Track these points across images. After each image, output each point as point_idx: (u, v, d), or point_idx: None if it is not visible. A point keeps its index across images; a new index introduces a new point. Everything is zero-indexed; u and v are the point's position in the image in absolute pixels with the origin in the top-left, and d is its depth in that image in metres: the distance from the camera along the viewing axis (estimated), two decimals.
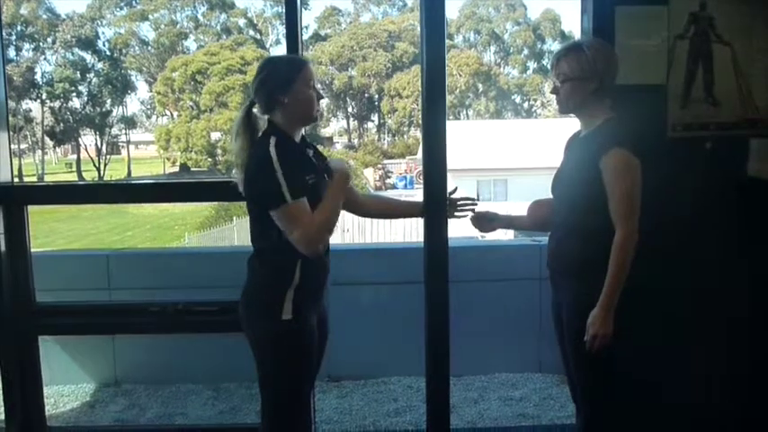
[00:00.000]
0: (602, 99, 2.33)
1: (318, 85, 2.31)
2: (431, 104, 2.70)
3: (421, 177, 2.77)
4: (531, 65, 48.99)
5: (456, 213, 2.67)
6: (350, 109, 47.97)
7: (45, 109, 41.93)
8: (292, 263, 2.20)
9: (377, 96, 46.54)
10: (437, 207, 2.67)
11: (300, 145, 2.30)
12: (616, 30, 2.72)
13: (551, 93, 2.39)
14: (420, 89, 2.82)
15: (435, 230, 2.73)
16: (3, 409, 3.10)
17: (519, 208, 2.90)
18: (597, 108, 2.33)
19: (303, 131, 2.33)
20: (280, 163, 2.11)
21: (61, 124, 42.33)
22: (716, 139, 2.81)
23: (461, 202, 2.67)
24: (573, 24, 46.73)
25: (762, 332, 2.87)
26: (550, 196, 2.51)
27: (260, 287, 2.26)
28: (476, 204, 2.69)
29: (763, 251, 2.83)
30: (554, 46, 48.65)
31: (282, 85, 2.22)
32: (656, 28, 2.77)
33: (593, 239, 2.25)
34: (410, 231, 15.65)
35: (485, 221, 2.67)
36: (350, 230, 16.96)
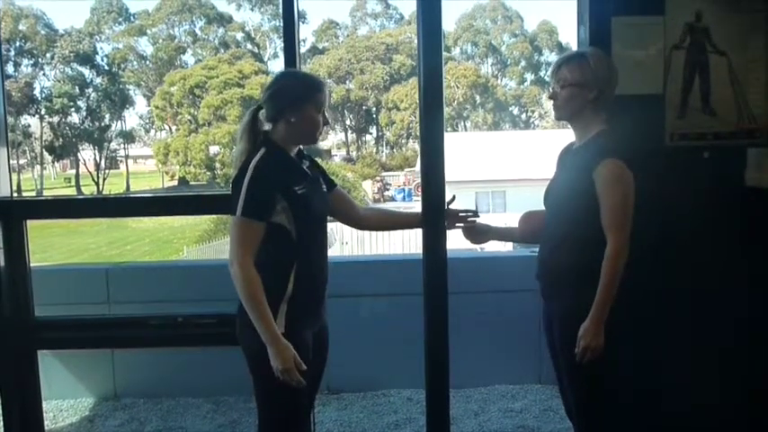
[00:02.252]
0: (599, 110, 2.34)
1: (327, 111, 2.31)
2: (429, 116, 2.71)
3: (419, 189, 2.77)
4: (529, 76, 49.18)
5: (457, 225, 2.65)
6: (348, 122, 48.07)
7: (44, 124, 42.02)
8: (285, 274, 2.19)
9: (375, 109, 46.68)
10: (436, 219, 2.67)
11: (294, 158, 2.29)
12: (613, 40, 2.74)
13: (549, 98, 2.40)
14: (418, 101, 2.83)
15: (434, 242, 2.73)
16: (2, 423, 3.09)
17: (517, 219, 2.91)
18: (593, 118, 2.34)
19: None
20: (251, 177, 2.12)
21: (60, 139, 42.41)
22: (713, 148, 2.82)
23: (462, 213, 2.65)
24: (570, 36, 47.04)
25: (761, 339, 2.87)
26: (543, 207, 2.52)
27: None
28: (477, 216, 2.67)
29: (761, 260, 2.84)
30: (551, 57, 48.81)
31: (292, 103, 2.22)
32: (653, 38, 2.79)
33: (585, 250, 2.25)
34: (409, 243, 15.65)
35: (476, 233, 2.67)
36: (349, 243, 16.97)
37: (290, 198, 2.17)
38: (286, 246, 2.18)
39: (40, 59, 41.47)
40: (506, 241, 2.85)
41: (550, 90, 2.40)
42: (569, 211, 2.31)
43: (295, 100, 2.22)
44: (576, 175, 2.28)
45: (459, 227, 2.66)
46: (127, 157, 49.14)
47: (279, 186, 2.16)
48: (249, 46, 46.91)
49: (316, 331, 2.32)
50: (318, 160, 2.50)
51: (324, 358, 2.41)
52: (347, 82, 45.43)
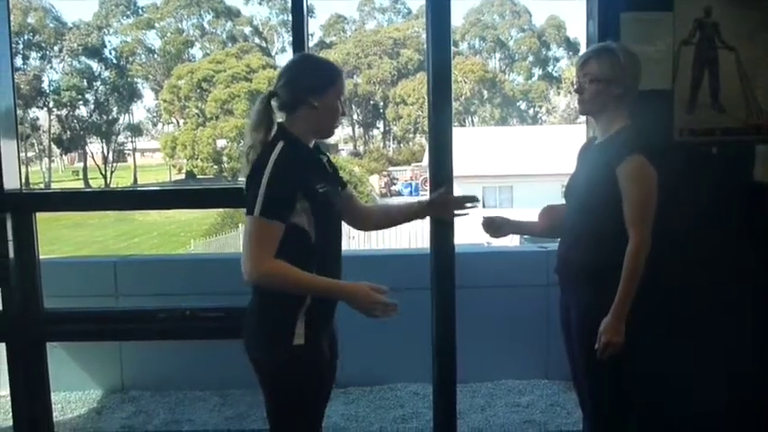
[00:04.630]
0: (623, 106, 2.32)
1: (345, 100, 2.16)
2: (437, 111, 2.71)
3: (426, 184, 2.76)
4: (537, 71, 49.03)
5: (457, 212, 2.56)
6: (355, 116, 48.03)
7: (52, 117, 42.14)
8: None
9: (382, 103, 46.64)
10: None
11: (314, 151, 2.15)
12: (621, 36, 2.74)
13: (575, 92, 2.36)
14: (425, 96, 2.83)
15: (442, 236, 2.74)
16: (11, 415, 3.11)
17: (525, 214, 2.90)
18: (616, 114, 2.32)
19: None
20: (271, 173, 1.95)
21: (68, 132, 42.53)
22: (721, 144, 2.82)
23: (459, 200, 2.55)
24: (578, 31, 46.90)
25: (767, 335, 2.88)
26: (558, 202, 2.51)
27: (267, 310, 2.08)
28: (477, 202, 2.56)
29: None
30: (559, 52, 48.75)
31: (315, 87, 2.07)
32: (662, 34, 2.79)
33: (604, 245, 2.25)
34: (416, 237, 15.62)
35: (495, 227, 2.62)
36: (355, 237, 16.97)
37: (312, 197, 2.00)
38: (304, 251, 2.01)
39: (48, 52, 41.56)
40: (525, 235, 2.83)
41: (576, 83, 2.36)
42: (591, 206, 2.30)
43: (318, 84, 2.07)
44: (599, 171, 2.27)
45: (458, 214, 2.57)
46: (134, 150, 49.29)
47: (300, 185, 1.99)
48: (257, 40, 46.93)
49: (330, 334, 2.20)
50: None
51: (335, 366, 2.27)
52: (354, 76, 45.37)
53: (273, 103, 2.12)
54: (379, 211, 2.64)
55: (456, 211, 2.58)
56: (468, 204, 2.56)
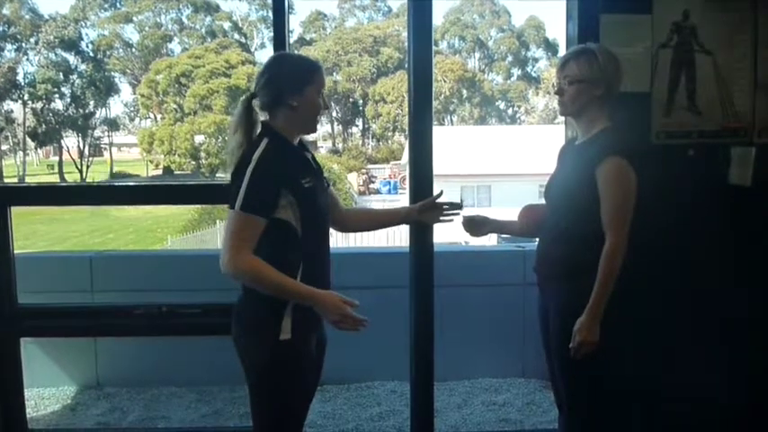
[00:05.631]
0: (604, 107, 2.34)
1: (325, 93, 2.16)
2: (418, 110, 2.72)
3: (405, 182, 2.77)
4: (516, 71, 49.20)
5: (441, 218, 2.59)
6: (334, 113, 47.88)
7: (27, 110, 41.50)
8: (291, 276, 2.03)
9: (361, 101, 46.56)
10: None
11: (298, 147, 2.17)
12: (600, 37, 2.75)
13: (555, 93, 2.38)
14: (405, 94, 2.84)
15: (421, 235, 2.75)
16: None
17: (503, 214, 2.91)
18: (597, 115, 2.34)
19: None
20: (254, 169, 1.97)
21: (43, 125, 41.90)
22: (698, 146, 2.85)
23: (446, 206, 2.59)
24: (557, 32, 47.15)
25: (745, 335, 2.91)
26: (536, 201, 2.52)
27: (254, 304, 2.08)
28: (460, 209, 2.61)
29: (743, 256, 2.87)
30: (538, 53, 48.99)
31: (294, 86, 2.08)
32: (640, 36, 2.81)
33: (582, 245, 2.26)
34: (393, 236, 15.66)
35: (476, 226, 2.63)
36: (333, 235, 16.96)
37: (297, 192, 2.03)
38: (291, 245, 2.04)
39: (23, 44, 40.90)
40: (505, 234, 2.84)
41: (556, 85, 2.38)
42: (570, 206, 2.32)
43: (296, 83, 2.09)
44: (579, 171, 2.29)
45: (442, 221, 2.60)
46: (111, 144, 48.72)
47: (284, 180, 2.01)
48: (236, 36, 46.57)
49: (318, 335, 2.23)
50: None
51: (322, 365, 2.31)
52: (334, 74, 45.23)
53: (255, 102, 2.14)
54: (361, 213, 2.65)
55: (441, 218, 2.60)
56: (453, 211, 2.59)
